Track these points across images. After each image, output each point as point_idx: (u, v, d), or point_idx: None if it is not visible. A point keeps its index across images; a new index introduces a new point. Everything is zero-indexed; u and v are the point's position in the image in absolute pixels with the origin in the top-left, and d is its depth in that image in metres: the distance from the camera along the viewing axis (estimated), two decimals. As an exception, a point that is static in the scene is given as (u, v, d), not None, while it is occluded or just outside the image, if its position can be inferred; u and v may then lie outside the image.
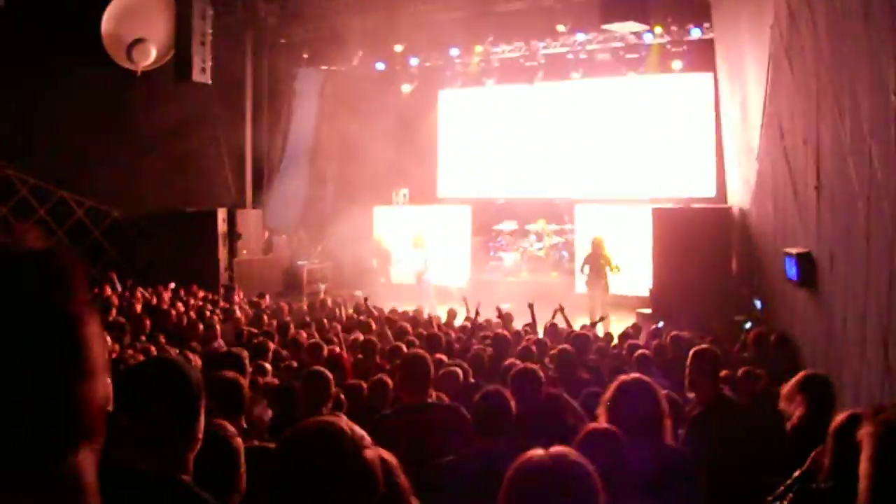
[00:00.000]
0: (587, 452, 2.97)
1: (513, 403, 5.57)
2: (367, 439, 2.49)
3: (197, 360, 8.99)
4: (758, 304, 14.85)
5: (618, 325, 16.05)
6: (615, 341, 12.81)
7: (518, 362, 7.80)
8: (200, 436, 3.13)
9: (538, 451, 2.79)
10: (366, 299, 17.13)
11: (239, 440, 3.85)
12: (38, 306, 1.37)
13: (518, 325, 14.39)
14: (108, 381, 1.50)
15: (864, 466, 2.12)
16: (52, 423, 1.37)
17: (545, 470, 2.72)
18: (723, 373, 8.48)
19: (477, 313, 14.44)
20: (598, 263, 19.26)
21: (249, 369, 7.58)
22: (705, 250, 16.73)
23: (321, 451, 2.42)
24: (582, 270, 19.78)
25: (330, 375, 6.44)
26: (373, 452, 2.44)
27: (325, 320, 14.54)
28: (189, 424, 3.07)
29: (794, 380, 5.73)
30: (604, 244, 19.64)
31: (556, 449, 2.82)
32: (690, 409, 6.57)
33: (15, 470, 1.34)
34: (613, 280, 19.45)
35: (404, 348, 9.89)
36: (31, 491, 1.36)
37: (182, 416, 3.05)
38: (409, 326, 13.24)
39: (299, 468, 2.46)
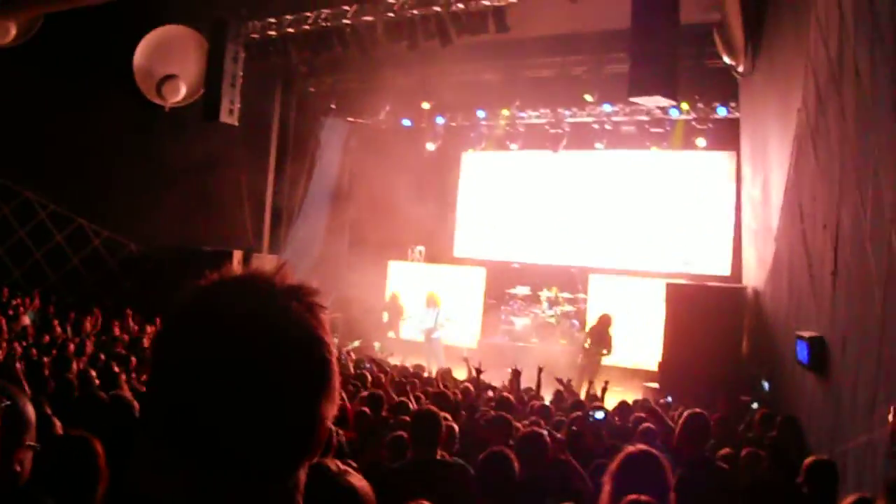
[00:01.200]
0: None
1: (517, 466, 5.57)
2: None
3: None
4: (766, 385, 14.79)
5: (624, 397, 15.99)
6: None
7: (523, 426, 7.80)
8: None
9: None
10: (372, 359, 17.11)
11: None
12: (302, 335, 1.53)
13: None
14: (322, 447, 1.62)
15: None
16: (300, 438, 1.53)
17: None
18: (724, 451, 8.47)
19: (479, 373, 14.42)
20: (600, 338, 19.38)
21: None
22: (717, 328, 16.70)
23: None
24: (585, 342, 19.88)
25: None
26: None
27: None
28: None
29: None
30: (611, 322, 19.76)
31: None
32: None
33: (261, 478, 1.49)
34: (609, 356, 19.66)
35: (412, 404, 9.88)
36: (262, 499, 1.51)
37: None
38: (416, 382, 13.24)
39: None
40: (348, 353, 17.87)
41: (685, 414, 6.78)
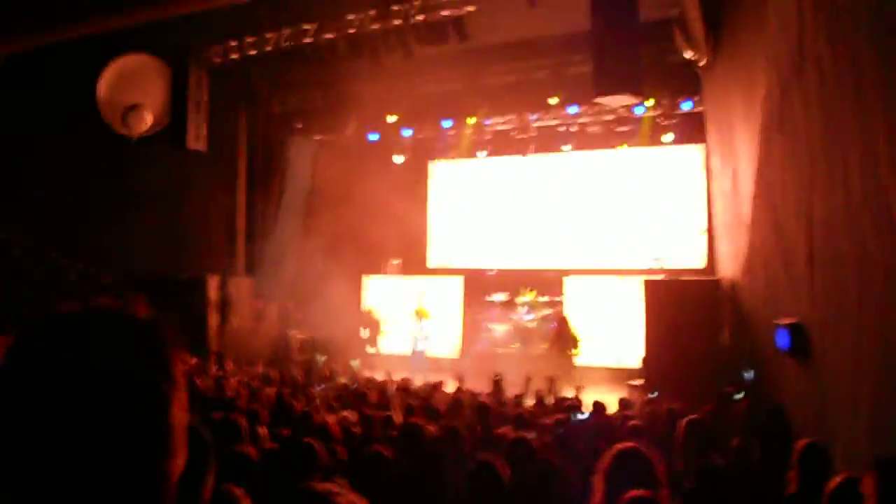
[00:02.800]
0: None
1: (506, 472, 5.58)
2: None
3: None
4: (749, 374, 14.85)
5: (609, 396, 16.02)
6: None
7: (511, 432, 7.81)
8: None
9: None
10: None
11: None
12: (137, 381, 1.43)
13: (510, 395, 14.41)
14: (184, 458, 1.52)
15: None
16: (135, 499, 1.40)
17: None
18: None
19: (461, 381, 14.49)
20: (564, 340, 19.48)
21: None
22: (696, 322, 16.76)
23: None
24: (548, 347, 20.00)
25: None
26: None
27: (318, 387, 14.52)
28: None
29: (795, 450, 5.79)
30: (568, 322, 19.88)
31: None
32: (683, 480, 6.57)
33: None
34: (584, 354, 19.76)
35: (399, 419, 9.90)
36: None
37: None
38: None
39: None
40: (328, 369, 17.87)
41: (683, 422, 6.78)
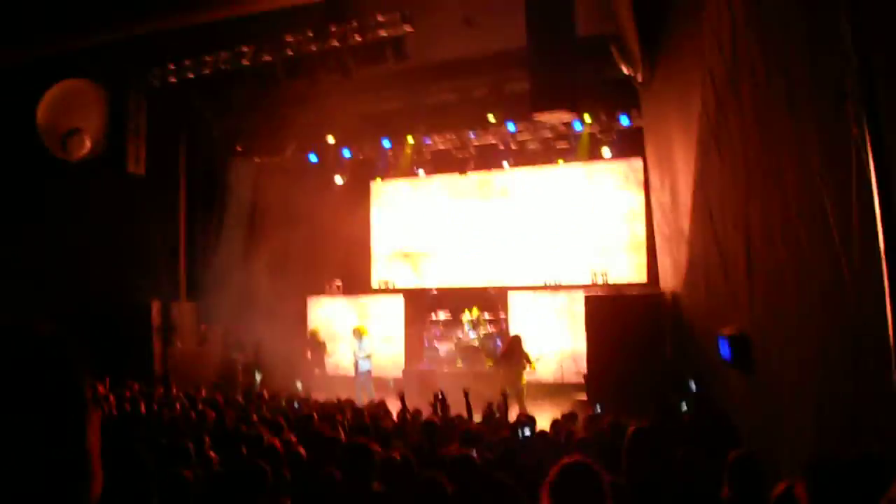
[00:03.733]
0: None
1: (449, 489, 5.59)
2: None
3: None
4: (692, 385, 14.94)
5: (555, 412, 16.06)
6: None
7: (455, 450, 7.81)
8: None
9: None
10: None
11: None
12: (48, 396, 1.41)
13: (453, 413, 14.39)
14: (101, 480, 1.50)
15: None
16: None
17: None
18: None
19: (402, 400, 14.46)
20: (517, 357, 19.50)
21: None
22: (639, 335, 16.85)
23: None
24: (498, 364, 19.99)
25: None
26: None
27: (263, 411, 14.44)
28: None
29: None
30: (521, 341, 19.92)
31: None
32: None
33: None
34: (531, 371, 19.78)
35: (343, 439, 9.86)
36: None
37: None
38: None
39: None
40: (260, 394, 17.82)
41: (629, 431, 6.80)
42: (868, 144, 5.81)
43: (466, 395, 14.26)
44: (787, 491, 4.27)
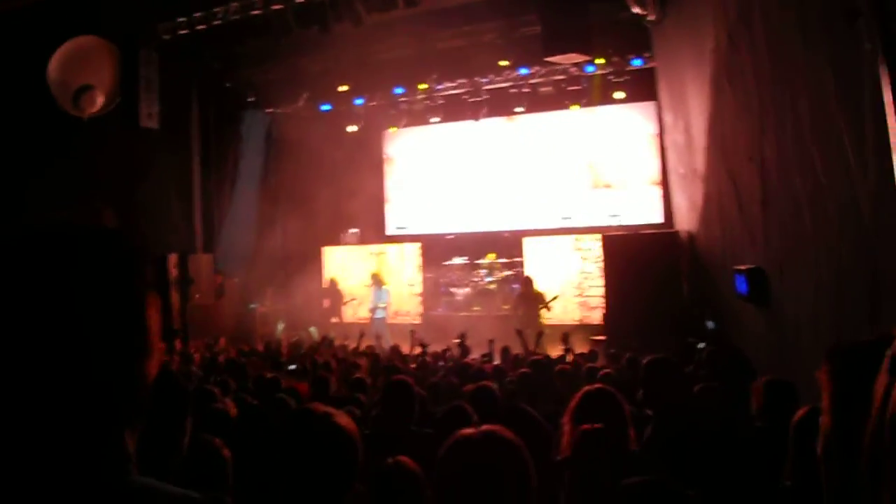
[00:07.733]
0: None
1: (474, 417, 5.66)
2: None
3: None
4: (710, 324, 14.98)
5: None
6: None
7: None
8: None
9: (469, 430, 2.87)
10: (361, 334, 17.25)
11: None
12: (113, 283, 1.50)
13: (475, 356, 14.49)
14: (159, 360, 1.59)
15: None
16: (115, 396, 1.47)
17: (475, 444, 2.79)
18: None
19: (422, 346, 14.56)
20: (533, 300, 19.48)
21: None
22: (656, 275, 16.87)
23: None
24: (516, 311, 19.91)
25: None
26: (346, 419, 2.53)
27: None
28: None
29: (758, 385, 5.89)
30: (533, 282, 19.92)
31: (487, 427, 2.90)
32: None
33: (73, 443, 1.42)
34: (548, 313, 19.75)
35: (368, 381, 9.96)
36: (83, 464, 1.42)
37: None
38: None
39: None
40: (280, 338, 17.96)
41: (644, 361, 6.83)
42: (881, 59, 5.80)
43: (491, 341, 14.43)
44: (810, 413, 4.30)
